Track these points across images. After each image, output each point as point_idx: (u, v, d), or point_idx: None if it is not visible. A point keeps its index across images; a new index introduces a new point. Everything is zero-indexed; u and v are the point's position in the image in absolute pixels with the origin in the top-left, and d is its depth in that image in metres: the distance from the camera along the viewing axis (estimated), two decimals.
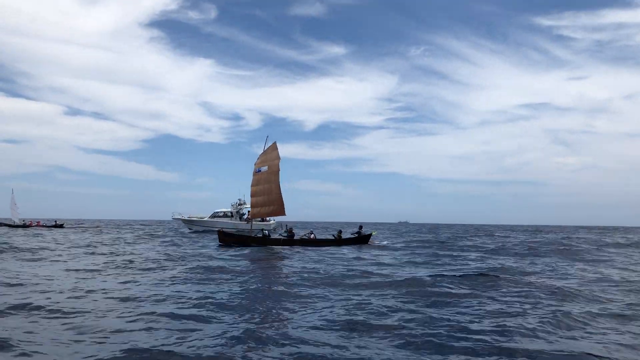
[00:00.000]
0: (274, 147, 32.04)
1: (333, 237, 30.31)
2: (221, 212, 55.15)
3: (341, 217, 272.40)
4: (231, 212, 54.76)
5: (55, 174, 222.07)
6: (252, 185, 32.24)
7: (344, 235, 31.37)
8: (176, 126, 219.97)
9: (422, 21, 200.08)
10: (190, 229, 55.32)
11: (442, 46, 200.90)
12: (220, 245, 28.67)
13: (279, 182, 31.55)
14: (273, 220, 50.16)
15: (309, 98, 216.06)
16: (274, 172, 31.65)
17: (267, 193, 31.81)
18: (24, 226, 55.84)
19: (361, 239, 29.25)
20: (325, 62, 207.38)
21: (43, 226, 57.38)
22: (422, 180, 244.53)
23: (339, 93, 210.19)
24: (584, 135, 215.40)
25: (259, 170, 32.27)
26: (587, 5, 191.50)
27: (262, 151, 31.99)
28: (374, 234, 30.03)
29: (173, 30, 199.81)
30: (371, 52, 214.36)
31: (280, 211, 31.62)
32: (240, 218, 53.39)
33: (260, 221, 47.75)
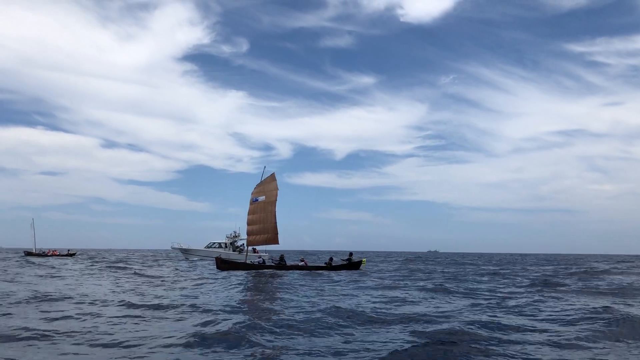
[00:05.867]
0: (272, 177, 33.51)
1: (325, 264, 31.31)
2: (216, 243, 56.83)
3: (371, 245, 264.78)
4: (225, 244, 56.20)
5: (91, 205, 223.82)
6: (248, 214, 33.43)
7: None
8: (208, 157, 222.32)
9: (450, 50, 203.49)
10: (186, 258, 56.98)
11: (472, 74, 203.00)
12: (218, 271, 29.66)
13: (275, 211, 32.78)
14: (266, 254, 51.23)
15: (339, 128, 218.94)
16: (271, 202, 32.97)
17: (263, 222, 32.97)
18: (42, 255, 60.68)
19: (351, 265, 30.29)
20: (354, 92, 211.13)
21: (58, 255, 60.54)
22: (453, 209, 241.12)
23: (368, 122, 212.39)
24: (620, 161, 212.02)
25: (256, 200, 33.61)
26: (620, 31, 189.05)
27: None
28: (363, 263, 30.96)
29: (206, 64, 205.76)
30: (400, 81, 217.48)
31: (274, 240, 32.70)
32: (234, 249, 54.53)
33: (252, 253, 48.87)
